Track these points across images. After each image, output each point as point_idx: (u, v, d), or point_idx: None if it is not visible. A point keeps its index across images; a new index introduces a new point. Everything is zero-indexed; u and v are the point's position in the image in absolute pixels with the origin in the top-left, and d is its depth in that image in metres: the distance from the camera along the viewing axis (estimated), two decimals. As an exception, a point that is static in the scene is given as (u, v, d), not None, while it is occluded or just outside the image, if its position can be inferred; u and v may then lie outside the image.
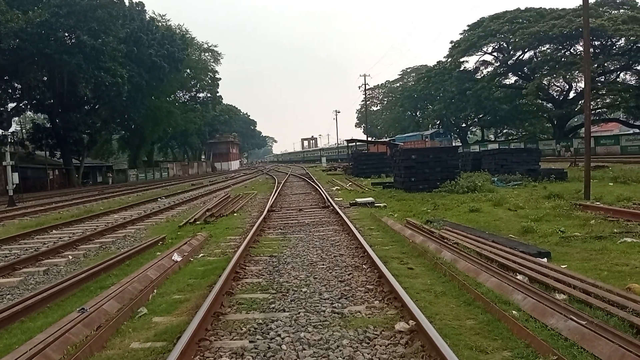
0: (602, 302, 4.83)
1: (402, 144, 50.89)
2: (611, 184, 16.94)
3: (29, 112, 53.91)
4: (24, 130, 52.91)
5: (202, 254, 9.26)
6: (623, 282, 5.67)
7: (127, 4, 46.63)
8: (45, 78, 41.87)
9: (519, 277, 6.00)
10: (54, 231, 13.61)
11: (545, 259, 6.93)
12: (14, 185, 24.41)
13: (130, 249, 9.76)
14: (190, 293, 6.46)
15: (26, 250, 10.73)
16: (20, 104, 44.39)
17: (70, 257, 9.71)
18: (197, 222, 13.82)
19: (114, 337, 4.93)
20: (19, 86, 42.16)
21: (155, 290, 6.63)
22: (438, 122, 72.61)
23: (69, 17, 36.34)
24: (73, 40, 38.30)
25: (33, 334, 4.89)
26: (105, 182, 52.28)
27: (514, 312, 4.87)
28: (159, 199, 23.97)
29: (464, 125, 74.57)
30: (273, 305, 5.67)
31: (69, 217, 16.72)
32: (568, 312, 4.52)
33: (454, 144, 49.19)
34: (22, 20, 32.95)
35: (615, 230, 8.73)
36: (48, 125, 48.46)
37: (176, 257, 8.45)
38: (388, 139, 61.25)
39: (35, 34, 34.68)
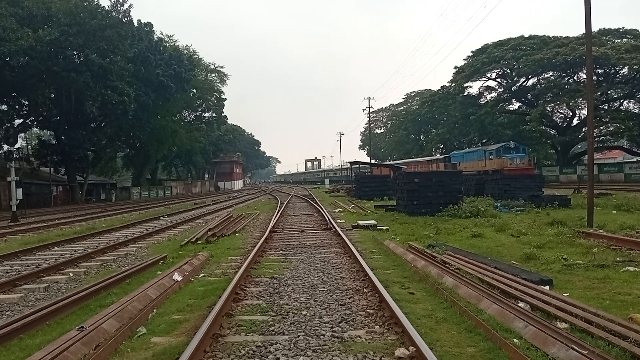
0: (604, 332, 4.79)
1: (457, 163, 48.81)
2: (614, 211, 16.89)
3: (35, 129, 54.55)
4: (29, 146, 53.27)
5: (202, 274, 9.24)
6: (625, 312, 5.63)
7: (135, 24, 47.35)
8: (53, 95, 42.43)
9: (521, 304, 5.97)
10: (55, 248, 13.61)
11: (547, 287, 6.89)
12: (18, 201, 24.47)
13: (131, 267, 9.74)
14: (189, 313, 6.44)
15: (27, 266, 10.72)
16: (27, 120, 44.94)
17: (71, 274, 9.69)
18: (199, 242, 13.81)
19: (113, 357, 4.90)
20: (26, 102, 42.78)
21: (154, 310, 6.60)
22: (442, 146, 72.79)
23: (78, 36, 36.95)
24: (81, 59, 38.83)
25: (31, 352, 4.86)
26: (108, 199, 52.41)
27: (515, 340, 4.83)
28: (161, 218, 23.98)
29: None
30: (272, 328, 5.64)
31: (71, 234, 16.74)
32: (569, 342, 4.48)
33: (531, 164, 40.40)
34: (32, 39, 33.49)
35: (618, 259, 8.67)
36: (53, 142, 48.89)
37: (177, 276, 8.43)
38: (443, 156, 59.14)
39: (44, 52, 35.23)
